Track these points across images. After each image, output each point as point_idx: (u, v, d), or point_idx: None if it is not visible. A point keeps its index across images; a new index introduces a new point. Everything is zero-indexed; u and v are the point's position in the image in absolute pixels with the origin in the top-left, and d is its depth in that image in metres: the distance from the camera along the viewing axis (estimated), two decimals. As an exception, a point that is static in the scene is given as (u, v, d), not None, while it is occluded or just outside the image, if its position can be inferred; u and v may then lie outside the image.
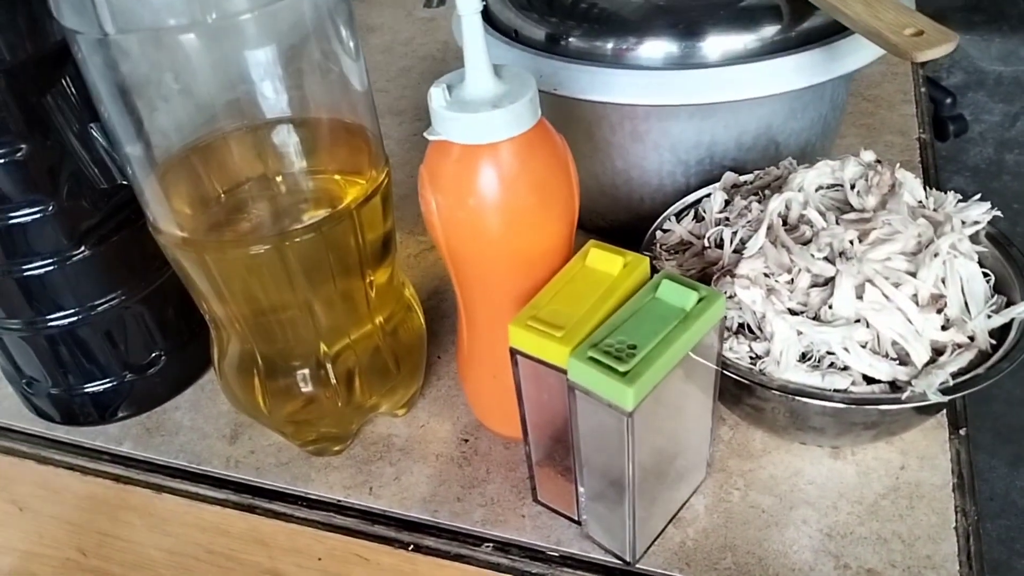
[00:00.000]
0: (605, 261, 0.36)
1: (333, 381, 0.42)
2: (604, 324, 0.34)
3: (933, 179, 0.64)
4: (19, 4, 0.38)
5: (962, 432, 0.44)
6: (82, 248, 0.43)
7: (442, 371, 0.51)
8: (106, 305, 0.45)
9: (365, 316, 0.42)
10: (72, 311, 0.45)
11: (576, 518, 0.41)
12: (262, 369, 0.42)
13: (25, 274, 0.43)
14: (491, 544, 0.41)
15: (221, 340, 0.42)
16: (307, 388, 0.42)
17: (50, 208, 0.41)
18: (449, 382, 0.50)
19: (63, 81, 0.40)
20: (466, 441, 0.46)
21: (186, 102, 0.37)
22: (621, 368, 0.31)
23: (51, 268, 0.43)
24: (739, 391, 0.40)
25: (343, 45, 0.38)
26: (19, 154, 0.39)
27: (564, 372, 0.33)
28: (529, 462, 0.41)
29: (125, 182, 0.43)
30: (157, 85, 0.35)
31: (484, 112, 0.33)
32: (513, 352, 0.36)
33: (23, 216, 0.41)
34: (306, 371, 0.42)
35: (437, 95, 0.34)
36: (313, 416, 0.43)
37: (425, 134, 0.36)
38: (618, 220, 0.56)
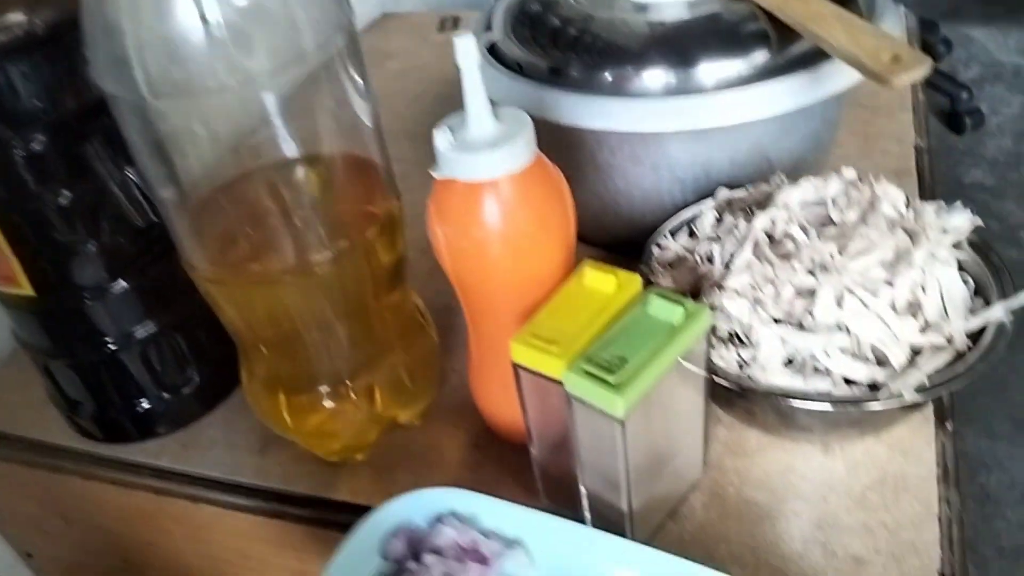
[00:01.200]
0: (599, 280, 0.39)
1: (353, 397, 0.45)
2: (598, 339, 0.37)
3: (928, 185, 0.66)
4: (60, 61, 0.41)
5: (948, 426, 0.47)
6: (120, 281, 0.47)
7: (456, 382, 0.54)
8: (143, 333, 0.49)
9: (381, 337, 0.46)
10: (112, 340, 0.48)
11: (580, 516, 0.44)
12: (287, 388, 0.45)
13: (69, 307, 0.47)
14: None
15: (249, 362, 0.46)
16: (329, 404, 0.45)
17: (91, 247, 0.45)
18: (463, 393, 0.53)
19: (101, 129, 0.44)
20: (478, 447, 0.49)
21: (211, 148, 0.41)
22: (612, 380, 0.34)
23: (92, 301, 0.47)
24: (731, 395, 0.43)
25: (354, 85, 0.41)
26: (62, 199, 0.43)
27: (561, 384, 0.37)
28: (535, 466, 0.44)
29: (159, 219, 0.47)
30: (187, 135, 0.39)
31: (484, 152, 0.37)
32: (516, 367, 0.39)
33: (67, 254, 0.45)
34: (328, 389, 0.45)
35: (441, 138, 0.38)
36: (335, 429, 0.46)
37: (432, 172, 0.39)
38: (621, 235, 0.59)
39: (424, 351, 0.49)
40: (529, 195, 0.39)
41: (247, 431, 0.52)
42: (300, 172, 0.42)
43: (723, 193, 0.52)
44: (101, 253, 0.45)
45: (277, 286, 0.41)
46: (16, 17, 0.39)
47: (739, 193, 0.52)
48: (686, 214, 0.53)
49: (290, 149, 0.40)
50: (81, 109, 0.43)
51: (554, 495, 0.45)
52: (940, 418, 0.47)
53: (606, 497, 0.41)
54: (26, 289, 0.45)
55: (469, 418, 0.51)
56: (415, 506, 0.39)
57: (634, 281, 0.39)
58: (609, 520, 0.42)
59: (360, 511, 0.39)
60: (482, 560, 0.38)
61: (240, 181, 0.42)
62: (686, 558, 0.36)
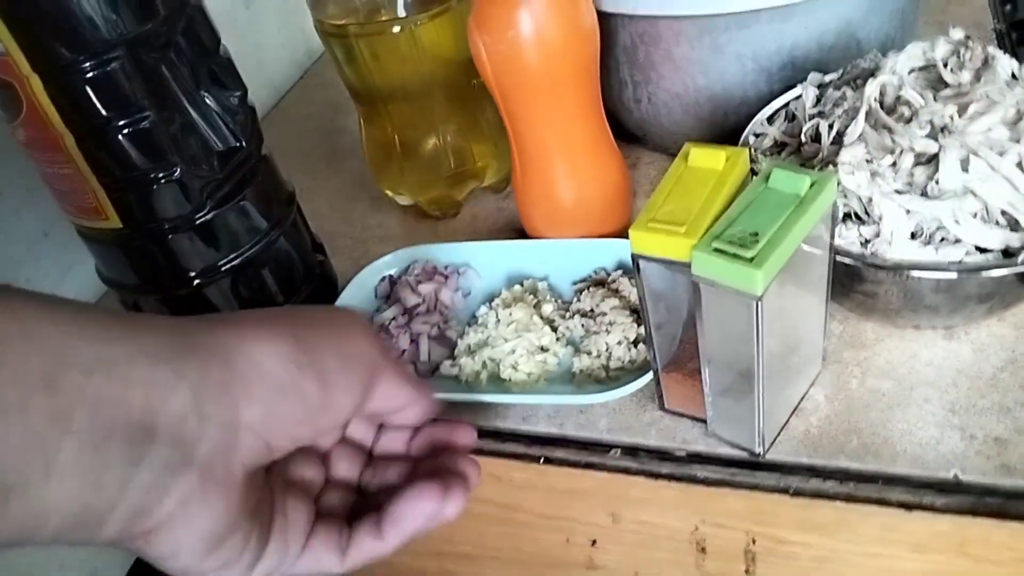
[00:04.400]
0: (707, 158, 0.37)
1: (446, 145, 0.59)
2: (721, 218, 0.35)
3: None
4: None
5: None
6: (204, 210, 0.45)
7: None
8: (229, 265, 0.48)
9: (472, 104, 0.59)
10: (199, 272, 0.47)
11: (703, 417, 0.42)
12: (398, 144, 0.59)
13: (156, 239, 0.45)
14: (619, 449, 0.43)
15: (369, 128, 0.60)
16: (430, 152, 0.59)
17: (174, 172, 0.43)
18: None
19: (172, 53, 0.43)
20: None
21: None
22: (747, 255, 0.32)
23: (178, 232, 0.45)
24: (850, 280, 0.41)
25: None
26: (144, 123, 0.42)
27: (687, 268, 0.35)
28: (655, 369, 0.42)
29: (238, 143, 0.46)
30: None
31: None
32: (635, 258, 0.37)
33: (151, 182, 0.43)
34: (429, 141, 0.59)
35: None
36: (434, 177, 0.60)
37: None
38: (703, 140, 0.56)
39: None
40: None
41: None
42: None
43: (816, 76, 0.50)
44: (184, 179, 0.44)
45: (393, 33, 0.53)
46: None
47: (832, 77, 0.50)
48: (779, 102, 0.50)
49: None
50: (155, 28, 0.41)
51: (675, 402, 0.43)
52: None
53: (733, 393, 0.39)
54: (113, 221, 0.44)
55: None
56: (390, 263, 0.56)
57: (743, 154, 0.37)
58: (736, 419, 0.40)
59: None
60: (443, 276, 0.54)
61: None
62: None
